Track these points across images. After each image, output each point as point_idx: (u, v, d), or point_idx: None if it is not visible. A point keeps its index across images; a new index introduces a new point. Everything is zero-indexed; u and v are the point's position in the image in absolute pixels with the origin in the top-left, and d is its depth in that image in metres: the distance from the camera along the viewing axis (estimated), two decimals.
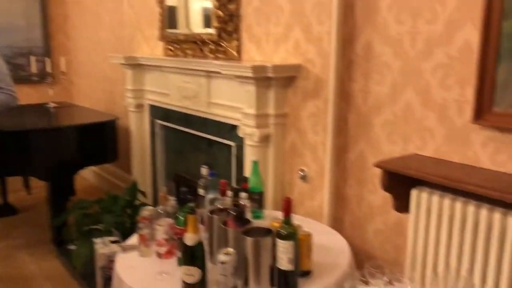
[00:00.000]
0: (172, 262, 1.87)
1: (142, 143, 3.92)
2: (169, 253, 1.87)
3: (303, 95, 2.50)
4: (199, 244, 1.66)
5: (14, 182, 4.56)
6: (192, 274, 1.65)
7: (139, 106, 3.85)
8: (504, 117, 1.72)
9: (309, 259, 1.79)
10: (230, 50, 2.90)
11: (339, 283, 1.73)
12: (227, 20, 2.88)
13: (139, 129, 3.91)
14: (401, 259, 2.13)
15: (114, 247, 2.66)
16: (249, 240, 1.66)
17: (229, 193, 1.98)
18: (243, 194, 2.05)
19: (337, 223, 2.43)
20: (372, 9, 2.13)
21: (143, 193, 3.53)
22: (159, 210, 1.99)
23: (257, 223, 2.03)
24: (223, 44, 2.95)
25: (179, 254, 1.82)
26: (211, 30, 2.99)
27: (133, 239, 2.12)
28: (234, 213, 1.77)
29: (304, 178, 2.57)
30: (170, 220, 1.91)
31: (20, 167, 3.50)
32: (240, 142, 2.76)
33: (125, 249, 2.04)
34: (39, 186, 4.29)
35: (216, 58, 3.01)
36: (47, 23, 5.31)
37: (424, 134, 2.00)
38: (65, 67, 4.63)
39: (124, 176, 4.57)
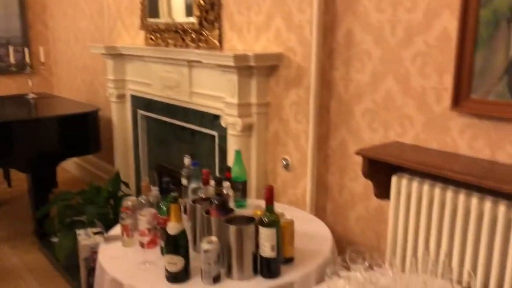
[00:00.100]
0: (156, 251, 1.88)
1: (124, 133, 3.89)
2: (152, 243, 1.88)
3: (285, 84, 2.50)
4: (182, 233, 1.66)
5: None
6: (175, 262, 1.66)
7: (121, 97, 3.81)
8: (481, 104, 1.76)
9: (292, 246, 1.81)
10: (212, 39, 2.89)
11: (321, 269, 1.75)
12: (208, 9, 2.86)
13: (121, 120, 3.88)
14: (382, 244, 2.17)
15: (97, 238, 2.66)
16: (232, 228, 1.67)
17: (212, 182, 1.98)
18: (226, 184, 2.06)
19: (319, 211, 2.45)
20: None
21: (126, 184, 3.51)
22: (141, 200, 1.99)
23: (240, 212, 2.05)
24: (204, 33, 2.93)
25: (162, 243, 1.82)
26: (192, 19, 2.97)
27: (116, 230, 2.12)
28: (217, 202, 1.78)
29: (287, 167, 2.58)
30: (152, 210, 1.92)
31: (0, 158, 3.45)
32: (223, 132, 2.76)
33: (108, 240, 2.04)
34: (20, 178, 4.23)
35: (198, 47, 2.99)
36: (25, 12, 5.21)
37: (404, 121, 2.03)
38: (44, 57, 4.56)
39: (106, 167, 4.53)
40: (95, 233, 2.74)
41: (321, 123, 2.37)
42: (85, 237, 2.73)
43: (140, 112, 3.68)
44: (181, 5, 3.13)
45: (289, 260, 1.81)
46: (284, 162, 2.59)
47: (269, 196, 1.69)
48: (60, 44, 5.22)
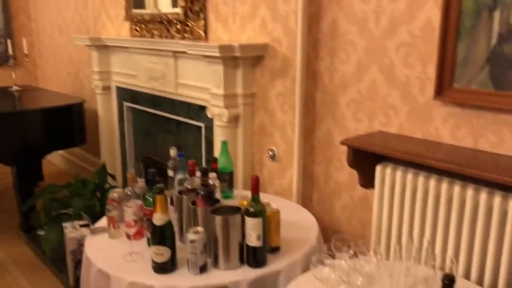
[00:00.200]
0: (142, 243, 1.88)
1: (110, 125, 3.87)
2: (138, 234, 1.88)
3: (271, 75, 2.51)
4: (168, 224, 1.67)
5: None
6: (162, 253, 1.67)
7: (106, 88, 3.78)
8: (464, 93, 1.78)
9: (278, 236, 1.83)
10: (197, 29, 2.87)
11: (307, 257, 1.77)
12: None
13: (106, 112, 3.85)
14: (367, 233, 2.19)
15: (84, 230, 2.65)
16: (217, 219, 1.68)
17: (198, 173, 1.99)
18: (212, 174, 2.06)
19: (306, 201, 2.47)
20: None
21: (113, 176, 3.50)
22: (127, 192, 1.99)
23: (226, 202, 2.05)
24: (189, 24, 2.92)
25: (148, 234, 1.82)
26: (177, 10, 2.94)
27: (103, 222, 2.11)
28: (203, 193, 1.78)
29: (273, 157, 2.59)
30: (138, 202, 1.91)
31: None
32: (209, 123, 2.76)
33: (94, 232, 2.03)
34: (5, 172, 4.18)
35: (183, 38, 2.98)
36: (8, 3, 5.12)
37: (388, 111, 2.04)
38: (27, 49, 4.50)
39: (93, 160, 4.51)
40: (82, 226, 2.74)
41: (307, 114, 2.38)
42: (71, 229, 2.72)
43: (126, 104, 3.66)
44: None
45: (275, 249, 1.82)
46: (271, 153, 2.60)
47: (255, 186, 1.70)
48: (44, 36, 5.15)
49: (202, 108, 2.79)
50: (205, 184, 1.80)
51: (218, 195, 1.96)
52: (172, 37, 3.08)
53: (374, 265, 1.50)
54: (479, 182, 1.66)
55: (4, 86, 4.41)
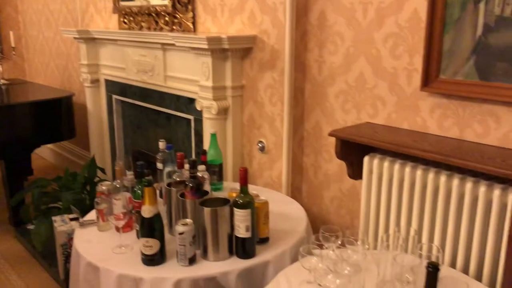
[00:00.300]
0: (131, 235, 1.89)
1: (99, 119, 3.85)
2: (127, 227, 1.88)
3: (260, 67, 2.51)
4: (157, 216, 1.67)
5: None
6: (151, 245, 1.67)
7: (95, 81, 3.76)
8: (450, 84, 1.79)
9: (267, 227, 1.84)
10: (185, 21, 2.86)
11: (295, 248, 1.78)
12: None
13: (96, 105, 3.83)
14: (356, 223, 2.21)
15: (74, 224, 2.64)
16: (206, 210, 1.68)
17: (187, 165, 1.99)
18: (201, 167, 2.06)
19: (295, 192, 2.48)
20: None
21: (102, 170, 3.49)
22: (116, 185, 1.99)
23: (215, 194, 2.06)
24: (178, 16, 2.90)
25: (137, 227, 1.83)
26: (165, 1, 2.93)
27: (92, 215, 2.11)
28: (191, 185, 1.78)
29: (262, 149, 2.60)
30: (127, 194, 1.91)
31: None
32: (199, 115, 2.76)
33: (83, 225, 2.03)
34: None
35: (172, 30, 2.97)
36: None
37: (376, 102, 2.06)
38: (14, 42, 4.45)
39: (82, 154, 4.49)
40: (72, 219, 2.73)
41: (295, 106, 2.38)
42: (61, 223, 2.72)
43: (115, 97, 3.64)
44: None
45: (264, 240, 1.84)
46: (260, 145, 2.60)
47: (243, 178, 1.70)
48: (32, 29, 5.10)
49: (191, 101, 2.78)
50: (193, 176, 1.80)
51: (207, 187, 1.97)
52: (161, 29, 3.07)
53: (361, 254, 1.52)
54: (465, 172, 1.69)
55: None
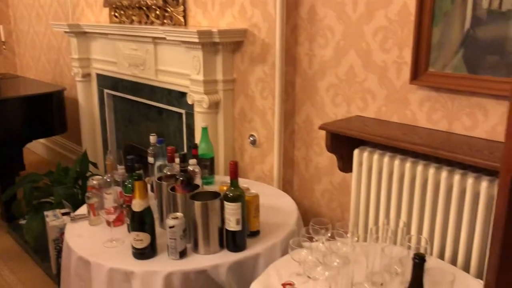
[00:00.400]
0: (122, 229, 1.89)
1: (91, 113, 3.84)
2: (118, 221, 1.89)
3: (250, 60, 2.51)
4: (147, 210, 1.68)
5: None
6: (141, 239, 1.68)
7: (86, 76, 3.74)
8: (439, 77, 1.80)
9: (257, 220, 1.85)
10: (176, 15, 2.85)
11: (286, 241, 1.79)
12: None
13: (87, 99, 3.81)
14: (346, 216, 2.23)
15: (66, 219, 2.64)
16: (196, 204, 1.69)
17: (177, 159, 1.99)
18: (192, 161, 2.07)
19: (287, 185, 2.50)
20: None
21: (94, 164, 3.48)
22: (106, 179, 1.99)
23: (207, 188, 2.07)
24: (168, 10, 2.89)
25: (128, 221, 1.83)
26: None
27: (83, 209, 2.11)
28: (182, 179, 1.79)
29: (254, 143, 2.61)
30: (118, 188, 1.92)
31: None
32: (190, 109, 2.76)
33: (75, 219, 2.03)
34: None
35: (162, 24, 2.96)
36: None
37: (366, 95, 2.06)
38: (5, 36, 4.41)
39: (75, 148, 4.47)
40: (64, 214, 2.73)
41: (286, 99, 2.39)
42: (53, 218, 2.72)
43: (107, 91, 3.63)
44: None
45: (255, 233, 1.85)
46: (251, 139, 2.61)
47: (234, 171, 1.71)
48: (23, 23, 5.06)
49: (183, 95, 2.78)
50: (184, 170, 1.80)
51: (198, 181, 1.97)
52: (152, 23, 3.05)
53: (350, 246, 1.53)
54: (453, 164, 1.70)
55: None
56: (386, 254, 1.48)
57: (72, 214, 2.11)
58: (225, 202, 1.70)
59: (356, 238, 1.66)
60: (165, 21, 2.95)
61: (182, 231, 1.67)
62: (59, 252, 2.64)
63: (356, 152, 1.95)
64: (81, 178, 3.17)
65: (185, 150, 2.88)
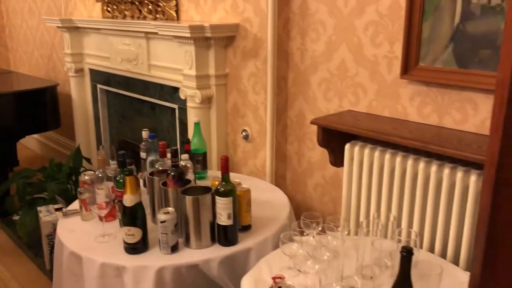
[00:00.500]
0: (114, 224, 1.90)
1: (84, 108, 3.83)
2: (110, 216, 1.89)
3: (243, 55, 2.51)
4: (138, 205, 1.68)
5: None
6: (133, 234, 1.68)
7: (79, 71, 3.73)
8: (429, 72, 1.81)
9: (249, 214, 1.85)
10: (168, 10, 2.84)
11: (278, 235, 1.79)
12: None
13: (80, 95, 3.80)
14: (338, 210, 2.24)
15: (59, 214, 2.64)
16: (188, 199, 1.69)
17: (169, 154, 1.99)
18: (185, 156, 2.07)
19: (279, 180, 2.50)
20: None
21: (88, 160, 3.48)
22: (98, 174, 1.99)
23: (199, 183, 2.07)
24: (161, 4, 2.88)
25: (120, 216, 1.83)
26: None
27: (75, 205, 2.11)
28: (173, 174, 1.79)
29: (247, 138, 2.61)
30: (110, 184, 1.92)
31: None
32: (183, 104, 2.76)
33: (67, 215, 2.03)
34: None
35: (155, 18, 2.95)
36: None
37: (357, 90, 2.07)
38: None
39: (68, 144, 4.46)
40: (57, 210, 2.73)
41: (279, 94, 2.39)
42: (46, 213, 2.71)
43: (100, 86, 3.62)
44: None
45: (246, 228, 1.85)
46: (244, 133, 2.61)
47: (225, 166, 1.71)
48: (15, 18, 5.02)
49: (175, 90, 2.78)
50: (175, 165, 1.81)
51: (190, 176, 1.98)
52: (144, 17, 3.04)
53: (340, 240, 1.54)
54: (443, 158, 1.71)
55: None
56: (376, 248, 1.50)
57: (64, 209, 2.11)
58: (217, 197, 1.71)
59: (346, 232, 1.67)
60: (157, 15, 2.94)
61: (173, 226, 1.68)
62: (52, 247, 2.63)
63: (347, 146, 1.95)
64: (75, 174, 3.17)
65: (178, 145, 2.88)
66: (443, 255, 1.72)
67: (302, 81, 2.28)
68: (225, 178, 1.72)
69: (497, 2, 1.59)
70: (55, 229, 2.58)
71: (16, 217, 3.17)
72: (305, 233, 1.62)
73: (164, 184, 1.81)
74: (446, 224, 1.70)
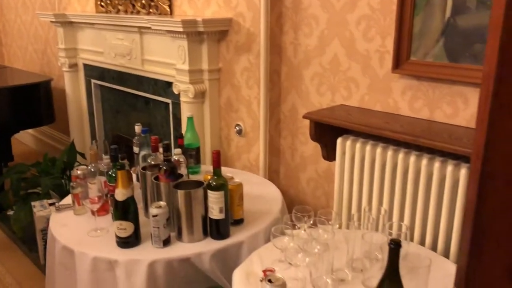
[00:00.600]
0: (107, 219, 1.90)
1: (78, 103, 3.82)
2: (103, 210, 1.89)
3: (236, 50, 2.51)
4: (130, 199, 1.68)
5: None
6: (125, 228, 1.69)
7: (73, 66, 3.72)
8: (420, 66, 1.82)
9: (241, 208, 1.86)
10: (162, 5, 2.83)
11: (269, 229, 1.81)
12: None
13: (74, 89, 3.79)
14: (331, 204, 2.25)
15: (53, 209, 2.64)
16: (180, 193, 1.70)
17: (161, 149, 1.99)
18: (177, 150, 2.07)
19: (273, 174, 2.51)
20: None
21: (82, 155, 3.48)
22: (90, 169, 1.99)
23: (192, 177, 2.08)
24: None
25: (112, 210, 1.84)
26: None
27: (68, 199, 2.11)
28: (165, 168, 1.79)
29: (240, 132, 2.62)
30: (102, 178, 1.92)
31: None
32: (176, 99, 2.75)
33: (60, 209, 2.04)
34: None
35: (149, 13, 2.94)
36: None
37: (350, 84, 2.08)
38: None
39: (63, 139, 4.46)
40: (51, 204, 2.73)
41: (272, 88, 2.40)
42: (40, 208, 2.72)
43: (94, 81, 3.61)
44: None
45: (239, 222, 1.86)
46: (237, 128, 2.62)
47: (216, 160, 1.72)
48: (9, 12, 5.00)
49: (169, 84, 2.78)
50: (167, 160, 1.81)
51: (183, 170, 1.98)
52: (138, 12, 3.03)
53: (330, 233, 1.55)
54: (434, 152, 1.72)
55: None
56: (366, 241, 1.51)
57: (57, 204, 2.11)
58: (208, 191, 1.72)
59: (337, 225, 1.68)
60: (151, 10, 2.93)
61: (165, 220, 1.68)
62: (46, 242, 2.64)
63: (339, 140, 1.96)
64: (69, 169, 3.17)
65: (172, 140, 2.88)
66: (434, 248, 1.73)
67: (295, 76, 2.29)
68: (216, 172, 1.72)
69: None
70: (49, 224, 2.59)
71: (10, 212, 3.16)
72: (296, 227, 1.63)
73: (156, 178, 1.82)
74: (437, 217, 1.71)
